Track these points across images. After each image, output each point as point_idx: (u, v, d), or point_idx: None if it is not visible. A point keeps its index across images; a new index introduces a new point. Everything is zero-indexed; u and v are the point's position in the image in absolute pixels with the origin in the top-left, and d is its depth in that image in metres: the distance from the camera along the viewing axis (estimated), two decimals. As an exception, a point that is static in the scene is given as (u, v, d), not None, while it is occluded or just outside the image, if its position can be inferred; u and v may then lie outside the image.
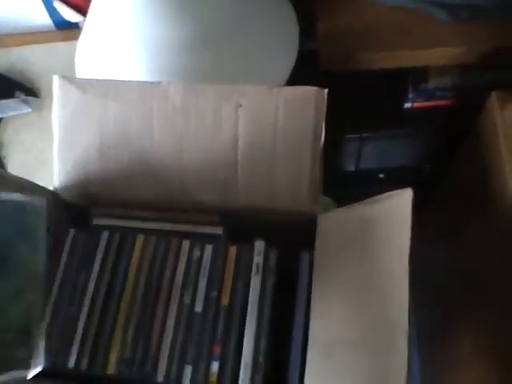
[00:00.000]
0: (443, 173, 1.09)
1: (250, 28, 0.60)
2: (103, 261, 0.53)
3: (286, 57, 0.65)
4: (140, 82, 0.51)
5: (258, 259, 0.51)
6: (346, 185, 1.21)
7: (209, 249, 0.52)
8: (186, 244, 0.53)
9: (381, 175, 1.18)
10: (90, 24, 0.63)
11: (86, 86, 0.51)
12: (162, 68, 0.57)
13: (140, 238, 0.53)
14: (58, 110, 0.52)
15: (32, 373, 0.48)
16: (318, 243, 0.50)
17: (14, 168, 0.84)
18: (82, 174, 0.53)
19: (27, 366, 0.48)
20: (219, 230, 0.53)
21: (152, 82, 0.50)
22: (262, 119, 0.50)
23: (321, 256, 0.49)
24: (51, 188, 0.54)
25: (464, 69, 0.91)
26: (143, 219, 0.54)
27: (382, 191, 1.23)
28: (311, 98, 0.49)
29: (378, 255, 0.42)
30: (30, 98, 0.87)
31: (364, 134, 1.02)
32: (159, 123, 0.51)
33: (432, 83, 0.95)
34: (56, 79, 0.51)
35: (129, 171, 0.52)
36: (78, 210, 0.55)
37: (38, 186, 0.53)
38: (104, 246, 0.53)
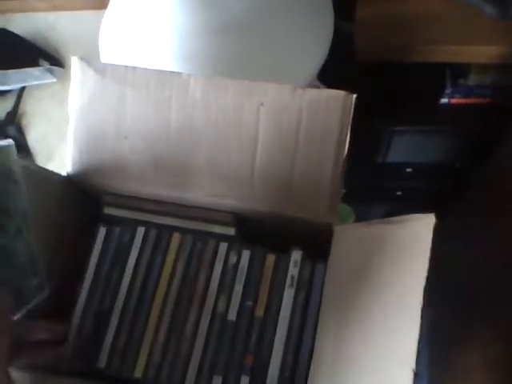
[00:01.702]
0: (474, 172, 1.05)
1: (282, 16, 0.57)
2: (138, 257, 0.51)
3: (317, 50, 0.61)
4: (160, 70, 0.48)
5: (293, 271, 0.49)
6: (371, 176, 1.18)
7: (246, 255, 0.50)
8: (223, 247, 0.50)
9: (408, 169, 1.15)
10: (117, 2, 0.60)
11: (106, 70, 0.49)
12: (186, 53, 0.54)
13: (176, 237, 0.51)
14: (75, 93, 0.50)
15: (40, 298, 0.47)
16: (331, 258, 0.48)
17: (35, 138, 0.83)
18: (96, 161, 0.51)
19: (38, 293, 0.48)
20: (231, 231, 0.51)
21: (172, 72, 0.48)
22: (284, 121, 0.47)
23: (333, 272, 0.47)
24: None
25: (506, 68, 0.85)
26: (156, 213, 0.52)
27: (407, 187, 1.19)
28: (338, 102, 0.46)
29: (392, 281, 0.39)
30: (55, 68, 0.86)
31: (396, 127, 0.99)
32: (177, 115, 0.49)
33: (472, 80, 0.90)
34: (75, 60, 0.49)
35: (143, 163, 0.50)
36: (89, 197, 0.53)
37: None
38: (140, 242, 0.51)
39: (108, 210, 0.53)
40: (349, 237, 0.47)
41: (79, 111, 0.51)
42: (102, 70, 0.49)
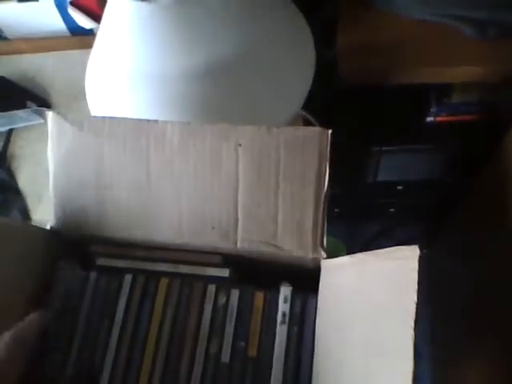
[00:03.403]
0: (464, 188, 1.05)
1: (262, 56, 0.57)
2: (127, 307, 0.50)
3: (301, 84, 0.61)
4: (137, 119, 0.48)
5: (284, 307, 0.48)
6: (363, 195, 1.18)
7: (235, 294, 0.50)
8: (211, 288, 0.50)
9: (399, 187, 1.15)
10: (100, 43, 0.61)
11: (82, 123, 0.49)
12: (165, 99, 0.55)
13: (164, 282, 0.51)
14: (52, 147, 0.50)
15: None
16: (321, 292, 0.48)
17: (25, 181, 0.83)
18: (79, 212, 0.51)
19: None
20: (225, 273, 0.51)
21: (148, 120, 0.48)
22: (263, 160, 0.47)
23: (324, 306, 0.47)
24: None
25: (490, 86, 0.86)
26: (147, 259, 0.52)
27: (399, 203, 1.19)
28: (314, 138, 0.46)
29: (380, 317, 0.39)
30: (42, 109, 0.86)
31: (384, 147, 0.99)
32: (156, 164, 0.49)
33: (456, 98, 0.91)
34: (50, 115, 0.50)
35: (126, 212, 0.50)
36: (75, 248, 0.53)
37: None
38: (127, 291, 0.51)
39: (100, 262, 0.53)
40: (336, 270, 0.47)
41: (59, 165, 0.51)
42: (78, 123, 0.49)
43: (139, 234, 0.51)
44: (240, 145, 0.47)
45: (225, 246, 0.50)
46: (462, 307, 0.97)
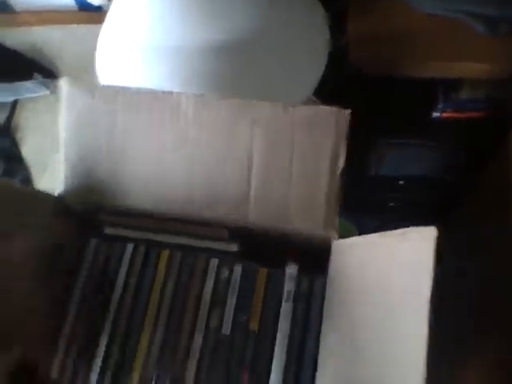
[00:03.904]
0: (469, 183, 1.05)
1: (278, 35, 0.56)
2: (127, 275, 0.50)
3: (315, 67, 0.61)
4: (151, 90, 0.48)
5: (289, 286, 0.48)
6: (364, 188, 1.18)
7: (238, 269, 0.50)
8: (213, 262, 0.50)
9: (401, 182, 1.14)
10: (114, 16, 0.60)
11: (95, 91, 0.48)
12: (181, 73, 0.54)
13: (165, 254, 0.51)
14: (64, 113, 0.50)
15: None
16: (331, 272, 0.48)
17: (29, 150, 0.82)
18: (89, 181, 0.51)
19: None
20: (234, 247, 0.51)
21: (163, 92, 0.47)
22: (278, 137, 0.47)
23: (334, 286, 0.47)
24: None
25: (499, 82, 0.86)
26: (154, 231, 0.52)
27: (400, 199, 1.19)
28: (331, 118, 0.46)
29: (394, 298, 0.39)
30: (49, 81, 0.85)
31: (389, 141, 0.99)
32: (170, 135, 0.48)
33: (464, 94, 0.90)
34: (64, 81, 0.49)
35: (137, 181, 0.50)
36: (82, 216, 0.52)
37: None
38: (128, 260, 0.50)
39: (108, 231, 0.52)
40: (348, 251, 0.46)
41: (70, 132, 0.50)
42: (91, 90, 0.49)
43: (149, 203, 0.50)
44: (255, 122, 0.47)
45: (235, 219, 0.50)
46: (468, 306, 0.97)
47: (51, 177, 0.62)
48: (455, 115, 0.93)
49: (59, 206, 0.51)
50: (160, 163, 0.49)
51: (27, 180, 0.78)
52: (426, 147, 1.00)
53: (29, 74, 0.83)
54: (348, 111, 0.45)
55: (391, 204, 1.23)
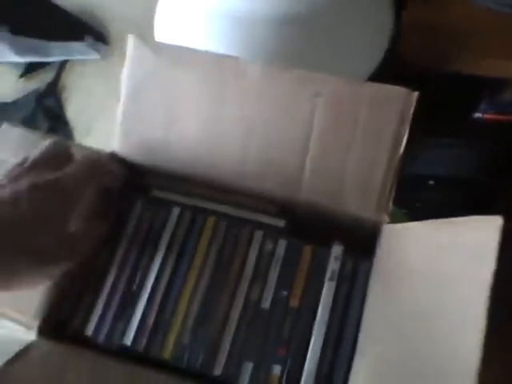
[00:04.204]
0: (503, 184, 1.04)
1: (344, 11, 0.56)
2: (171, 239, 0.50)
3: (377, 47, 0.60)
4: (218, 53, 0.47)
5: (334, 265, 0.48)
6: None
7: (282, 244, 0.49)
8: (258, 234, 0.49)
9: (431, 182, 1.13)
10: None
11: (162, 50, 0.48)
12: (244, 42, 0.54)
13: (211, 221, 0.50)
14: (128, 72, 0.50)
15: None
16: (379, 255, 0.47)
17: (74, 113, 0.82)
18: (144, 142, 0.51)
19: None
20: (281, 223, 0.50)
21: (230, 56, 0.47)
22: (341, 114, 0.46)
23: (381, 270, 0.46)
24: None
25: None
26: (201, 198, 0.51)
27: (428, 199, 1.18)
28: (398, 98, 0.45)
29: (450, 289, 0.38)
30: (99, 44, 0.85)
31: (425, 138, 0.98)
32: (231, 100, 0.48)
33: (508, 96, 0.89)
34: (131, 39, 0.49)
35: (191, 146, 0.50)
36: (131, 177, 0.52)
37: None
38: (174, 223, 0.50)
39: (156, 193, 0.52)
40: (400, 236, 0.46)
41: (131, 90, 0.50)
42: (158, 49, 0.49)
43: (200, 170, 0.50)
44: (320, 95, 0.46)
45: (286, 195, 0.49)
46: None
47: (95, 142, 0.61)
48: (497, 117, 0.92)
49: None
50: (215, 130, 0.49)
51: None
52: (463, 148, 0.99)
53: (80, 36, 0.83)
54: (416, 93, 0.45)
55: (418, 204, 1.22)
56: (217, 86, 0.48)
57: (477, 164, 1.03)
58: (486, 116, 0.92)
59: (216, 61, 0.48)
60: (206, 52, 0.48)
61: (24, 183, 0.40)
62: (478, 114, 0.93)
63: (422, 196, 1.18)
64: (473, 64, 0.80)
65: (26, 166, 0.42)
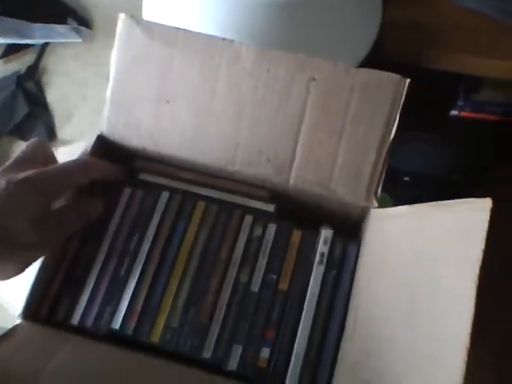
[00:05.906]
0: (474, 186, 1.06)
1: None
2: (160, 223, 0.49)
3: (367, 35, 0.61)
4: (212, 36, 0.47)
5: (323, 248, 0.48)
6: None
7: (272, 228, 0.49)
8: (248, 219, 0.50)
9: (406, 178, 1.15)
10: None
11: (154, 31, 0.48)
12: (237, 26, 0.54)
13: (201, 205, 0.50)
14: (118, 52, 0.49)
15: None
16: (367, 239, 0.48)
17: (54, 98, 0.80)
18: (133, 123, 0.50)
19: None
20: (270, 208, 0.51)
21: (224, 39, 0.47)
22: (334, 98, 0.47)
23: (369, 254, 0.47)
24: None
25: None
26: (191, 182, 0.51)
27: (402, 196, 1.20)
28: (390, 85, 0.46)
29: (439, 269, 0.38)
30: (82, 28, 0.83)
31: (402, 133, 0.99)
32: (225, 84, 0.48)
33: (483, 95, 0.92)
34: (122, 18, 0.48)
35: (183, 130, 0.49)
36: (119, 161, 0.51)
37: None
38: (163, 207, 0.50)
39: (143, 177, 0.52)
40: (388, 220, 0.47)
41: (121, 71, 0.49)
42: (150, 30, 0.48)
43: (190, 154, 0.50)
44: (314, 79, 0.46)
45: (276, 181, 0.49)
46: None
47: (76, 127, 0.60)
48: (473, 115, 0.94)
49: (100, 145, 0.51)
50: (207, 113, 0.49)
51: (50, 127, 0.76)
52: (440, 144, 1.01)
53: (63, 19, 0.81)
54: (408, 80, 0.46)
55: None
56: (210, 68, 0.48)
57: (451, 161, 1.05)
58: (462, 114, 0.94)
59: (210, 43, 0.47)
60: (199, 34, 0.47)
61: (4, 179, 0.41)
62: (454, 112, 0.95)
63: (397, 192, 1.20)
64: (445, 59, 0.81)
65: (8, 164, 0.43)
